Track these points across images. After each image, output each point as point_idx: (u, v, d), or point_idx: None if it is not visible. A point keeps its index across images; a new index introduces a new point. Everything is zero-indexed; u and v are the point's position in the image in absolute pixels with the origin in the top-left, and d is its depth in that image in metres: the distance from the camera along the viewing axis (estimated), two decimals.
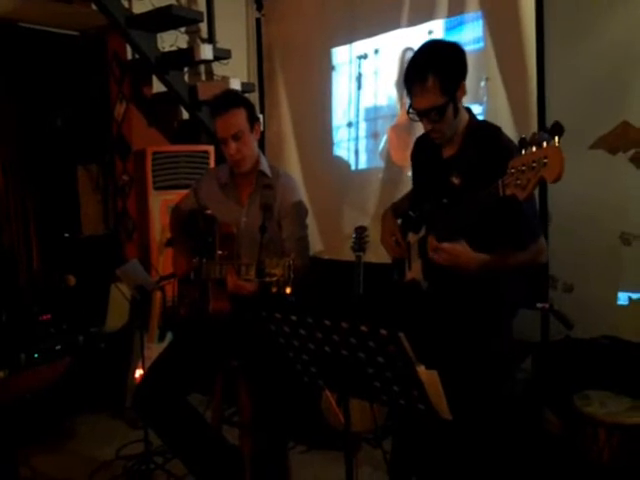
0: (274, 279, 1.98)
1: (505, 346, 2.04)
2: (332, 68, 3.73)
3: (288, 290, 1.97)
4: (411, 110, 1.92)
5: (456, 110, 1.89)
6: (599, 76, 2.83)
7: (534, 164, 1.51)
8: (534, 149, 1.52)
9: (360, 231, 2.98)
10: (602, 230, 2.90)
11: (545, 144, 1.50)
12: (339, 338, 1.47)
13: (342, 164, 3.77)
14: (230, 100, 2.38)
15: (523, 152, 1.55)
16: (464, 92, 1.91)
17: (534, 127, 2.87)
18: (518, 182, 1.56)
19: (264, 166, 2.46)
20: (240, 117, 2.34)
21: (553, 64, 2.93)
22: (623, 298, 2.88)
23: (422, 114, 1.89)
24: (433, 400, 1.43)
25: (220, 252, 2.38)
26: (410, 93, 1.90)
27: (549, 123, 2.92)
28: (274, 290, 1.99)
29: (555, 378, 2.76)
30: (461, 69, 1.88)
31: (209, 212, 2.54)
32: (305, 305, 2.03)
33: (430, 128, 1.93)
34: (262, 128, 3.84)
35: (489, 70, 3.03)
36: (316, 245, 3.78)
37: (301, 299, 2.05)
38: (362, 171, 3.66)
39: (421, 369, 1.40)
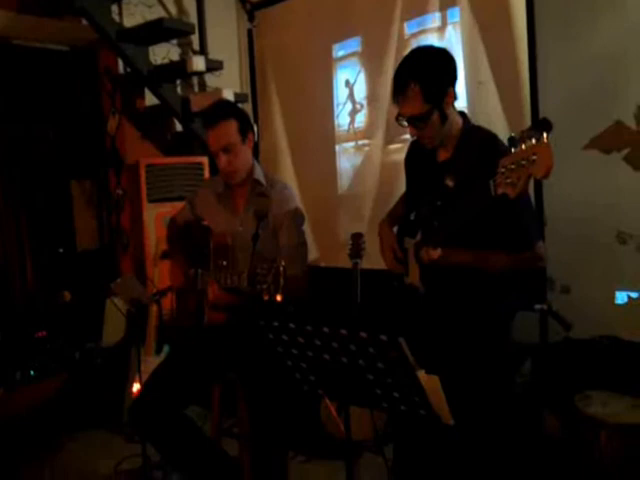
0: (265, 287, 1.97)
1: (504, 349, 2.03)
2: (326, 75, 3.74)
3: (279, 297, 1.96)
4: (399, 117, 1.93)
5: (444, 116, 1.90)
6: (591, 76, 2.84)
7: (523, 162, 1.52)
8: (523, 147, 1.53)
9: (356, 238, 2.97)
10: (598, 230, 2.90)
11: (534, 141, 1.50)
12: (338, 345, 1.45)
13: (337, 171, 3.77)
14: (220, 112, 2.37)
15: (512, 150, 1.55)
16: (453, 98, 1.92)
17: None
18: (508, 181, 1.57)
19: (258, 174, 2.46)
20: (230, 129, 2.34)
21: (545, 65, 2.93)
22: (621, 297, 2.87)
23: (407, 121, 1.91)
24: (435, 405, 1.42)
25: (215, 262, 2.38)
26: (395, 100, 1.92)
27: None
28: (265, 298, 1.98)
29: (555, 379, 2.75)
30: (446, 76, 1.90)
31: (205, 223, 2.54)
32: (303, 313, 2.02)
33: (416, 135, 1.95)
34: (256, 138, 3.89)
35: (481, 73, 3.04)
36: (312, 253, 3.75)
37: (299, 307, 2.04)
38: (358, 177, 3.66)
39: (422, 374, 1.39)
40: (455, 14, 3.11)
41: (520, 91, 2.92)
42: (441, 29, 3.17)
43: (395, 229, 2.25)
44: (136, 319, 2.98)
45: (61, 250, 4.15)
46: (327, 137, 3.76)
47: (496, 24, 2.96)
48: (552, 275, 3.02)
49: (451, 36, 3.13)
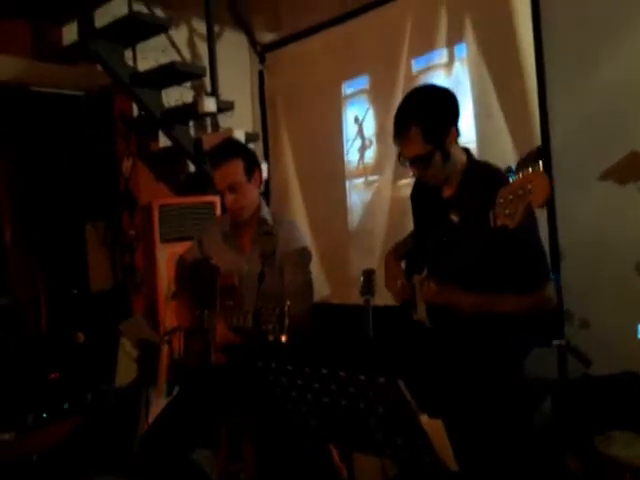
0: (270, 327, 1.95)
1: (517, 388, 1.96)
2: (335, 113, 3.77)
3: (284, 338, 1.93)
4: (401, 158, 1.93)
5: (446, 155, 1.88)
6: (604, 106, 2.80)
7: (520, 192, 1.52)
8: (520, 176, 1.52)
9: (368, 274, 2.94)
10: (616, 262, 2.80)
11: (530, 170, 1.48)
12: (337, 388, 1.40)
13: (347, 207, 3.76)
14: (226, 152, 2.40)
15: (510, 181, 1.53)
16: (455, 136, 1.91)
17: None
18: (507, 212, 1.55)
19: (265, 213, 2.47)
20: (236, 168, 2.36)
21: (555, 97, 2.91)
22: None
23: (409, 162, 1.90)
24: (438, 450, 1.35)
25: (221, 302, 2.36)
26: (396, 142, 1.92)
27: (554, 157, 2.90)
28: (270, 338, 1.96)
29: (575, 418, 2.63)
30: (448, 116, 1.89)
31: (213, 262, 2.53)
32: (305, 352, 1.98)
33: (419, 175, 1.95)
34: (267, 176, 3.90)
35: (490, 107, 3.02)
36: (324, 290, 3.74)
37: (300, 346, 2.01)
38: (368, 213, 3.63)
39: (424, 418, 1.33)
40: (462, 50, 3.11)
41: (530, 124, 2.90)
42: (448, 65, 3.17)
43: (403, 264, 2.22)
44: (145, 360, 2.95)
45: (75, 291, 4.17)
46: (337, 173, 3.76)
47: (504, 58, 2.96)
48: (570, 309, 2.92)
49: (459, 72, 3.13)
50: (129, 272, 4.02)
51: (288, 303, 1.99)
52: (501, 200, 1.56)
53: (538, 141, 2.85)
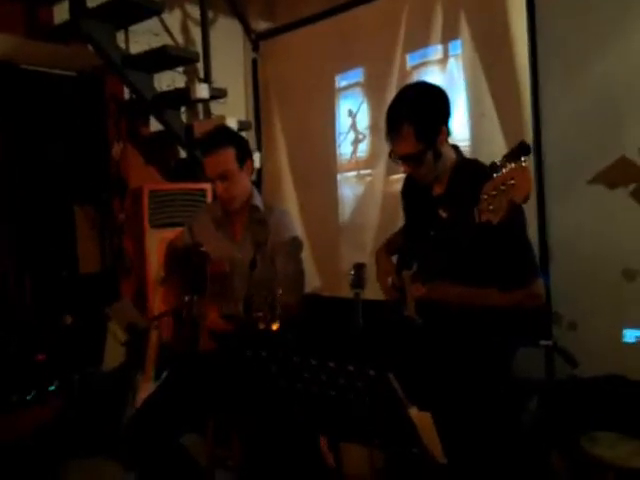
0: (260, 315, 1.96)
1: (503, 385, 1.98)
2: (329, 105, 3.76)
3: (275, 327, 1.94)
4: (392, 155, 1.94)
5: (437, 154, 1.90)
6: (596, 110, 2.81)
7: (502, 187, 1.52)
8: (503, 172, 1.52)
9: (358, 268, 2.95)
10: (604, 266, 2.83)
11: (513, 165, 1.49)
12: (327, 378, 1.42)
13: (338, 200, 3.76)
14: (217, 139, 2.39)
15: (494, 176, 1.54)
16: (446, 135, 1.92)
17: (530, 162, 2.87)
18: (491, 207, 1.57)
19: (257, 201, 2.46)
20: (227, 157, 2.35)
21: (548, 98, 2.92)
22: (629, 335, 2.80)
23: (401, 159, 1.91)
24: (427, 443, 1.37)
25: (212, 289, 2.36)
26: (388, 139, 1.93)
27: (545, 158, 2.92)
28: (261, 327, 1.96)
29: (561, 418, 2.68)
30: (440, 115, 1.90)
31: (203, 249, 2.52)
32: (295, 342, 1.99)
33: (410, 172, 1.96)
34: (259, 165, 3.88)
35: (484, 106, 3.03)
36: (314, 282, 3.74)
37: (290, 335, 2.02)
38: (360, 206, 3.64)
39: (413, 411, 1.35)
40: (457, 47, 3.11)
41: (523, 124, 2.91)
42: (443, 61, 3.17)
43: (394, 259, 2.25)
44: (134, 345, 2.94)
45: (64, 273, 4.15)
46: (329, 166, 3.76)
47: (498, 56, 2.96)
48: (559, 310, 2.96)
49: (453, 68, 3.13)
50: (118, 256, 4.01)
51: (280, 291, 1.99)
52: (485, 196, 1.58)
53: (531, 141, 2.86)
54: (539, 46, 2.90)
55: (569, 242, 2.92)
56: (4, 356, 3.58)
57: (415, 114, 1.85)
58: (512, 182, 1.50)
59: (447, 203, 1.93)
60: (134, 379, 2.97)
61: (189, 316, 2.38)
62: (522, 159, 1.49)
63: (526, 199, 1.51)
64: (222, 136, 2.44)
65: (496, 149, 2.96)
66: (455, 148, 2.02)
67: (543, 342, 2.87)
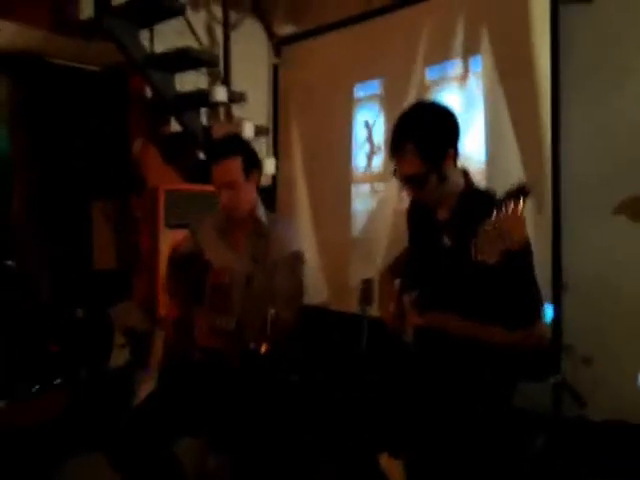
0: (251, 334, 1.92)
1: (502, 418, 1.89)
2: (346, 115, 3.70)
3: (264, 348, 1.90)
4: (396, 174, 1.88)
5: (442, 177, 1.82)
6: (618, 139, 2.71)
7: (498, 230, 1.46)
8: (502, 211, 1.46)
9: (367, 284, 2.89)
10: (623, 299, 2.72)
11: (511, 208, 1.41)
12: None
13: (351, 213, 3.70)
14: (225, 148, 2.36)
15: (494, 214, 1.46)
16: (453, 158, 1.84)
17: (548, 192, 2.76)
18: (486, 248, 1.49)
19: (260, 213, 2.42)
20: (233, 166, 2.32)
21: (569, 124, 2.82)
22: None
23: (403, 180, 1.85)
24: None
25: (210, 299, 2.33)
26: (391, 158, 1.87)
27: (563, 185, 2.79)
28: (251, 346, 1.93)
29: (567, 461, 2.56)
30: (446, 136, 1.83)
31: (206, 257, 2.49)
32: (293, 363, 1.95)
33: (412, 194, 1.90)
34: (274, 171, 3.84)
35: (502, 126, 2.93)
36: (322, 294, 3.71)
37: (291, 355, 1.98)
38: (372, 221, 3.57)
39: (383, 458, 1.28)
40: (478, 63, 3.02)
41: (541, 148, 2.81)
42: (462, 77, 3.08)
43: (397, 282, 2.17)
44: (133, 347, 2.94)
45: (79, 267, 4.17)
46: (343, 177, 3.70)
47: (519, 77, 2.86)
48: (572, 343, 2.84)
49: (473, 85, 3.03)
50: (133, 254, 4.01)
51: (272, 312, 1.95)
52: (481, 235, 1.51)
53: (549, 167, 2.76)
54: (562, 68, 2.79)
55: (586, 272, 2.81)
56: (19, 344, 3.62)
57: (419, 134, 1.79)
58: (508, 228, 1.45)
59: (451, 231, 1.87)
60: (133, 380, 2.95)
61: (184, 325, 2.35)
62: (520, 202, 1.43)
63: (520, 248, 1.46)
64: (231, 145, 2.42)
65: (512, 170, 2.87)
66: (465, 173, 1.94)
67: (552, 378, 2.75)
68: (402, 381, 1.92)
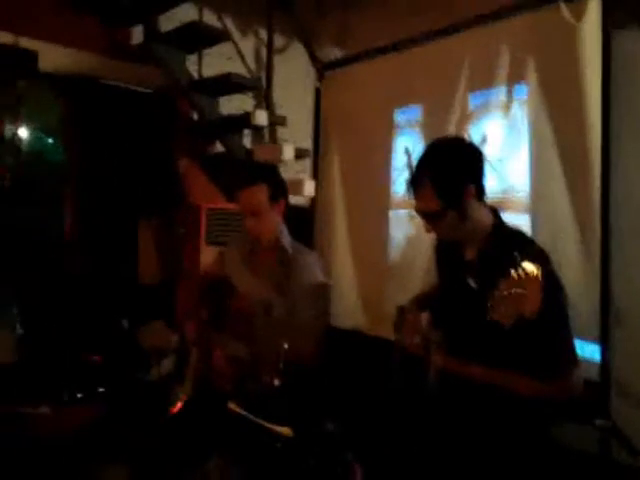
0: (266, 367, 1.92)
1: (530, 464, 1.78)
2: (386, 140, 3.65)
3: (276, 382, 1.88)
4: (415, 209, 1.83)
5: (463, 214, 1.75)
6: None
7: (514, 293, 1.40)
8: (520, 273, 1.39)
9: (402, 311, 2.84)
10: None
11: (528, 271, 1.34)
12: None
13: (388, 238, 3.64)
14: (252, 176, 2.38)
15: (512, 274, 1.39)
16: (476, 195, 1.77)
17: (596, 232, 2.64)
18: (501, 309, 1.41)
19: (285, 241, 2.41)
20: (260, 194, 2.33)
21: (620, 160, 2.67)
22: None
23: (420, 215, 1.81)
24: None
25: (232, 326, 2.34)
26: (409, 192, 1.82)
27: (613, 218, 2.64)
28: (264, 379, 1.92)
29: None
30: (463, 172, 1.76)
31: (231, 281, 2.51)
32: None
33: (429, 230, 1.83)
34: (313, 194, 3.85)
35: (547, 158, 2.80)
36: (357, 318, 3.68)
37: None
38: (409, 247, 3.50)
39: None
40: (522, 91, 2.90)
41: (589, 180, 2.65)
42: (506, 105, 2.96)
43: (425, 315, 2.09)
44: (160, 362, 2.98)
45: (125, 281, 4.29)
46: (382, 202, 3.65)
47: (566, 106, 2.72)
48: (625, 381, 2.65)
49: (517, 114, 2.91)
50: (176, 269, 4.10)
51: (285, 346, 1.94)
52: (498, 293, 1.45)
53: (597, 204, 2.62)
54: (613, 101, 2.63)
55: (638, 307, 2.65)
56: (67, 352, 3.74)
57: (434, 169, 1.75)
58: (523, 292, 1.39)
59: (477, 273, 1.79)
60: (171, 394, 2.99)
61: (205, 350, 2.37)
62: (539, 270, 1.38)
63: (534, 315, 1.39)
64: (258, 172, 2.44)
65: (557, 204, 2.74)
66: (493, 211, 1.86)
67: (599, 421, 2.56)
68: (422, 429, 1.87)
